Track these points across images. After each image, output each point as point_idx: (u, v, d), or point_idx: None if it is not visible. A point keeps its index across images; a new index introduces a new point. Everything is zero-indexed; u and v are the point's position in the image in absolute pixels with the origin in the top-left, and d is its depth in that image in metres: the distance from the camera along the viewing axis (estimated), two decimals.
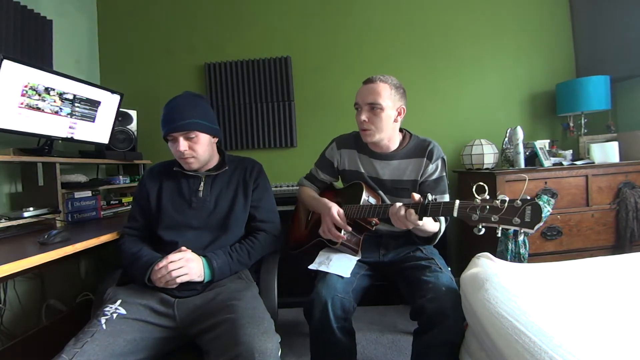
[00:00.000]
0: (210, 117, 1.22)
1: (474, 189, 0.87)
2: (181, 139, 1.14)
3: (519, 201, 0.80)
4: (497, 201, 0.82)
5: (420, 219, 1.00)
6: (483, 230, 0.85)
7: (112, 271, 1.23)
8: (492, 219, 0.82)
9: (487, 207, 0.83)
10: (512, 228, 0.81)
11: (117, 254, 1.19)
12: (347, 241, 1.25)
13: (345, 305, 1.11)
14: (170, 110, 1.16)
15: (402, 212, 1.01)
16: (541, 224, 0.77)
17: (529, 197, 0.80)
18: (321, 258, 1.27)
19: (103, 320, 0.95)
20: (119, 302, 1.02)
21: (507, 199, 0.81)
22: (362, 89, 1.25)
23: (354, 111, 1.28)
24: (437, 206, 0.96)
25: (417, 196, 1.02)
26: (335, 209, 1.19)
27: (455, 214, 0.90)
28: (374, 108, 1.21)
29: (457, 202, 0.91)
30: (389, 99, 1.21)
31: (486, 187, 0.86)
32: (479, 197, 0.85)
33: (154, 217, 1.22)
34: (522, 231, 0.80)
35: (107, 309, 0.99)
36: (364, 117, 1.22)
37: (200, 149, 1.17)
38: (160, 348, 1.00)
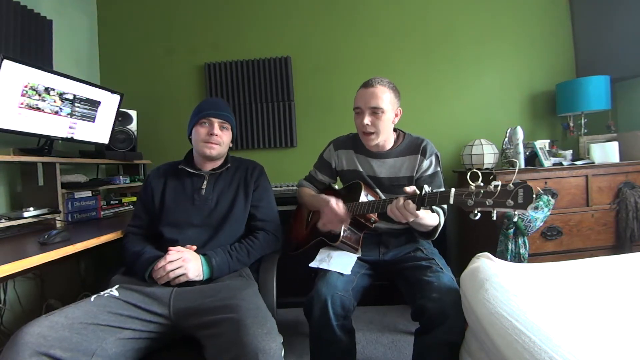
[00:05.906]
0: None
1: (468, 176, 0.90)
2: (216, 124, 1.25)
3: (511, 185, 0.83)
4: (490, 186, 0.85)
5: (418, 208, 1.01)
6: (479, 215, 0.88)
7: (112, 271, 1.22)
8: (487, 203, 0.85)
9: (482, 192, 0.86)
10: (506, 210, 0.84)
11: (121, 252, 1.21)
12: (347, 239, 1.26)
13: (345, 304, 1.12)
14: (213, 101, 1.30)
15: (401, 201, 1.03)
16: (533, 205, 0.79)
17: (520, 181, 0.82)
18: (322, 256, 1.28)
19: (93, 297, 0.98)
20: (116, 287, 1.04)
21: (499, 183, 0.84)
22: (362, 93, 1.26)
23: (354, 111, 1.29)
24: (434, 195, 0.98)
25: (409, 189, 1.03)
26: (334, 200, 1.21)
27: (451, 201, 0.93)
28: (376, 112, 1.22)
29: (453, 189, 0.93)
30: (390, 102, 1.24)
31: (480, 174, 0.89)
32: (474, 184, 0.88)
33: (157, 213, 1.24)
34: (515, 212, 0.82)
35: (102, 292, 1.02)
36: (367, 120, 1.24)
37: (226, 139, 1.29)
38: (146, 329, 0.98)
